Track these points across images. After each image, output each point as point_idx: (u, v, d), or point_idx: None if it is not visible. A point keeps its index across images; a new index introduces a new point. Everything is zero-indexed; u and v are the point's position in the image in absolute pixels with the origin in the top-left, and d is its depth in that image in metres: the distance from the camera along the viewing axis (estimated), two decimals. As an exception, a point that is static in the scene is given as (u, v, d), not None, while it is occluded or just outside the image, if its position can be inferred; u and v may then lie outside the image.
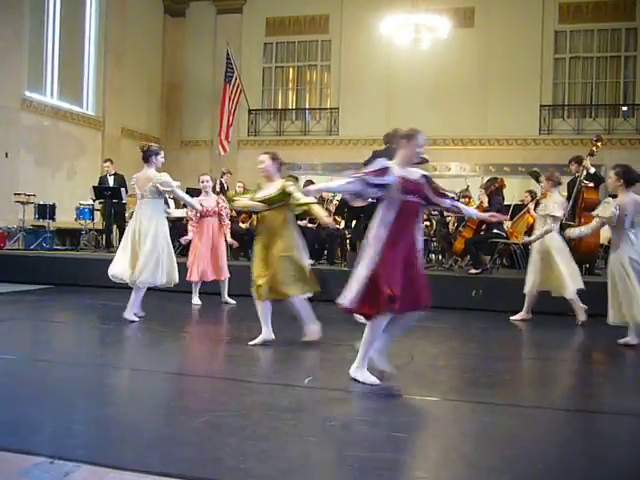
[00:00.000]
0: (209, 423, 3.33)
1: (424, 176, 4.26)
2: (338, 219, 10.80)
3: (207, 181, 7.90)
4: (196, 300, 7.86)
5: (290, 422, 3.34)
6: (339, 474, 2.72)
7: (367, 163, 9.33)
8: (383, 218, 4.14)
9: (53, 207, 12.40)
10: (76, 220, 12.46)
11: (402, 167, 4.19)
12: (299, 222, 10.07)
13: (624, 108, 16.46)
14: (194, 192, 8.52)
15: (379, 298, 3.94)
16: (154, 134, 18.63)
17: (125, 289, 8.23)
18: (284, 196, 5.42)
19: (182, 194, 6.72)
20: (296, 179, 10.73)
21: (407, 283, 4.04)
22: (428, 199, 4.25)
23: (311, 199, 5.32)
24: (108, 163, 12.22)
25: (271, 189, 5.48)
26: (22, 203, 12.07)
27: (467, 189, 11.08)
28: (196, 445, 3.01)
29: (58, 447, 2.90)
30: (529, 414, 3.78)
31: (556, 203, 6.95)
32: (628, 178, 5.76)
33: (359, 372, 4.18)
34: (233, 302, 8.02)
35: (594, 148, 8.66)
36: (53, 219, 12.43)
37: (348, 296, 4.06)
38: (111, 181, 11.97)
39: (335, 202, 11.02)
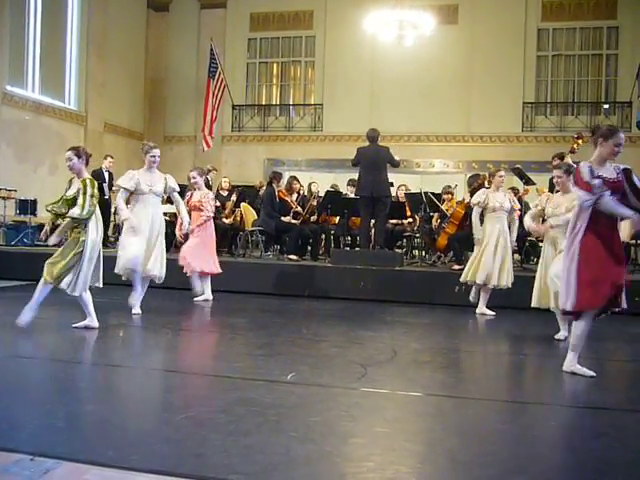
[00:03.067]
0: (192, 419, 3.32)
1: (623, 170, 4.34)
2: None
3: (194, 177, 7.86)
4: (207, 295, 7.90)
5: (273, 418, 3.34)
6: (321, 469, 2.72)
7: (354, 162, 9.40)
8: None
9: (34, 202, 12.30)
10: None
11: (598, 166, 4.31)
12: (282, 218, 10.12)
13: (605, 106, 16.60)
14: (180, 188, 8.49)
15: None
16: (137, 129, 18.52)
17: (107, 285, 8.17)
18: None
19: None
20: (280, 175, 10.78)
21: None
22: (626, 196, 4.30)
23: (75, 213, 5.37)
24: (110, 159, 12.24)
25: (74, 188, 5.55)
26: (3, 198, 11.98)
27: (454, 187, 11.04)
28: (179, 441, 3.00)
29: (39, 444, 2.87)
30: (512, 409, 3.81)
31: None
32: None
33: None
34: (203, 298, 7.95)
35: (575, 145, 8.74)
36: (34, 214, 12.33)
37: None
38: (107, 176, 12.03)
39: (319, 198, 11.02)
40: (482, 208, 7.44)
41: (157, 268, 6.70)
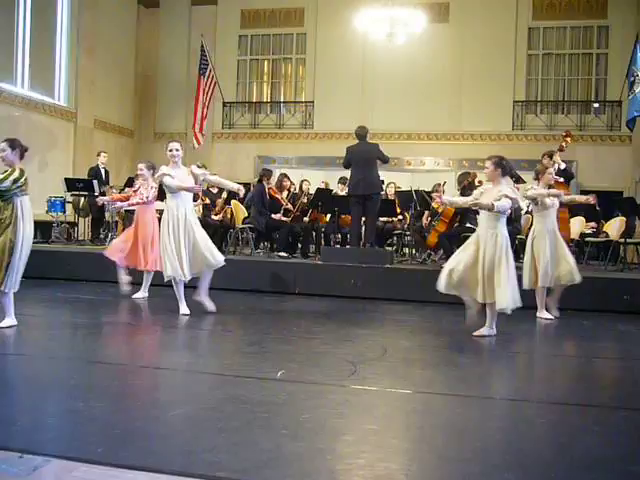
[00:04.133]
0: (181, 416, 3.32)
1: None
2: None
3: (140, 169, 7.80)
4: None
5: (263, 415, 3.34)
6: (311, 466, 2.73)
7: (346, 164, 9.38)
8: None
9: (24, 199, 12.20)
10: (47, 213, 12.28)
11: None
12: (273, 215, 10.11)
13: (595, 105, 16.68)
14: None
15: None
16: (127, 126, 18.44)
17: (97, 283, 8.18)
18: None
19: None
20: (270, 172, 10.78)
21: None
22: None
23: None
24: (104, 154, 12.23)
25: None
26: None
27: (442, 184, 11.03)
28: (168, 438, 2.99)
29: (27, 441, 2.86)
30: (499, 406, 3.82)
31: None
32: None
33: None
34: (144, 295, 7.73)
35: (563, 143, 8.78)
36: (23, 211, 12.24)
37: None
38: (103, 173, 12.01)
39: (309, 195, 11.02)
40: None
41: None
